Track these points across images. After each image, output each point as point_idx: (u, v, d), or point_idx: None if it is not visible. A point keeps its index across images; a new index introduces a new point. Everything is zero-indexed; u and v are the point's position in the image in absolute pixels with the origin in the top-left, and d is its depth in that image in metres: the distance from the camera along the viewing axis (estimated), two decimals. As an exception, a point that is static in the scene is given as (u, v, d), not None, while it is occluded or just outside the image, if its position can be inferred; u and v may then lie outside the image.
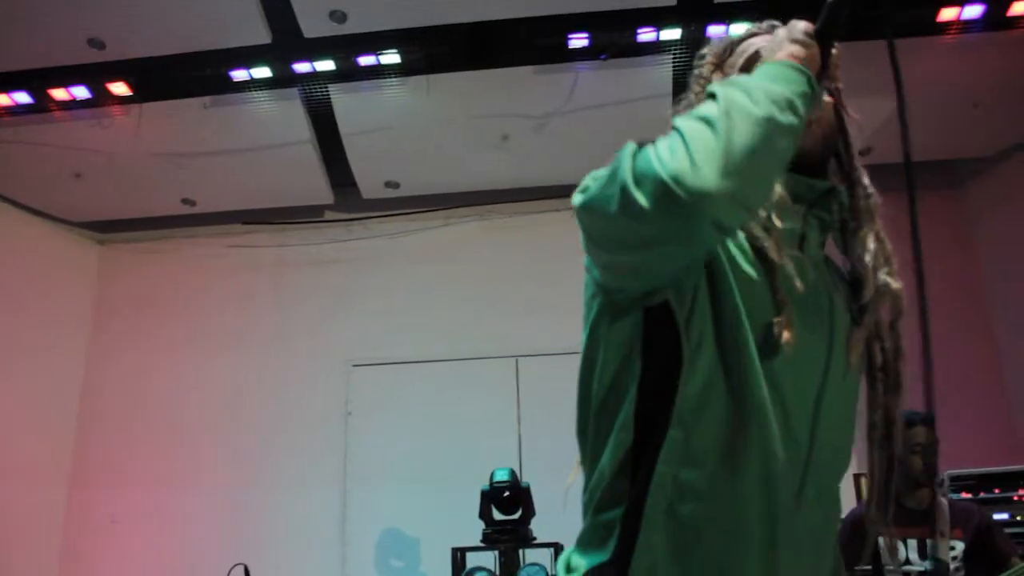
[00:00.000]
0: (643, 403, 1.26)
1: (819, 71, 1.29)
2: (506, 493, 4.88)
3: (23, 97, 5.44)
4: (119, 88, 5.40)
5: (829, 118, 1.43)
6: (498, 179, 6.31)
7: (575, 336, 5.24)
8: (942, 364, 5.35)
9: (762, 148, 1.10)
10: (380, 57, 5.22)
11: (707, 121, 1.10)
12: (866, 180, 1.50)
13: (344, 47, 5.16)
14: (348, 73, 5.39)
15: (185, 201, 6.48)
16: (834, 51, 1.41)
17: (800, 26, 1.33)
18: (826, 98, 1.37)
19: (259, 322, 6.61)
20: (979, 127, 5.70)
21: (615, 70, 5.30)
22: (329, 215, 6.79)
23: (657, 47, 5.20)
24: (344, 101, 5.58)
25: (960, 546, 3.38)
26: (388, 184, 6.37)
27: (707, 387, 1.23)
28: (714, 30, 5.00)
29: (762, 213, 1.29)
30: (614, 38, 5.10)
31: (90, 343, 6.76)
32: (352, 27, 4.94)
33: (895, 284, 1.45)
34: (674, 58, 5.27)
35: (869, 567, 3.48)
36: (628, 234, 1.17)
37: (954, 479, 4.65)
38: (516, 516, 4.91)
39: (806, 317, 1.31)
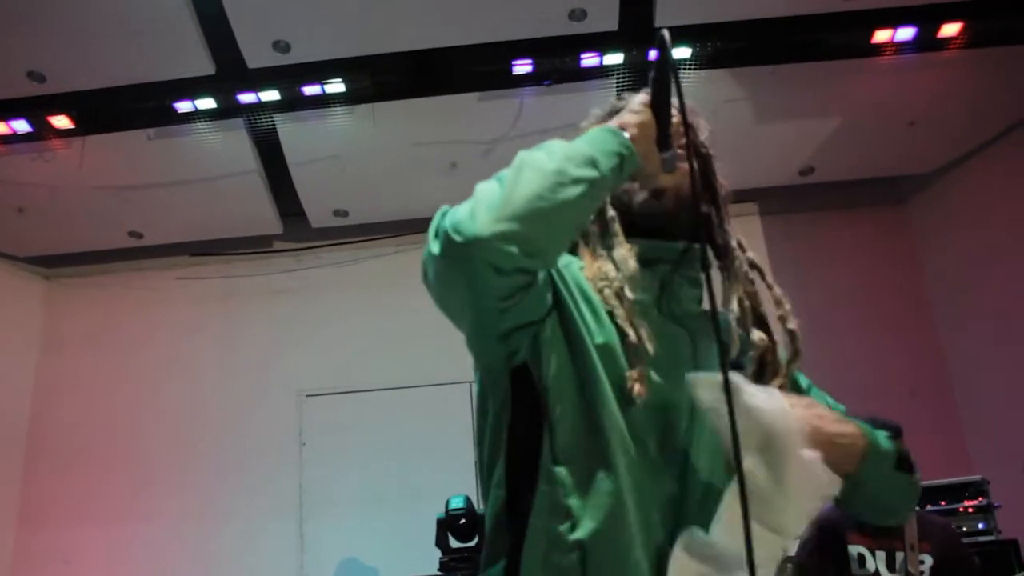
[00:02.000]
0: (514, 460, 1.33)
1: (661, 137, 1.34)
2: (462, 520, 4.87)
3: (-39, 131, 5.37)
4: (61, 121, 5.35)
5: (684, 188, 1.42)
6: (447, 205, 6.30)
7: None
8: (890, 377, 5.48)
9: (545, 195, 1.20)
10: (325, 86, 5.22)
11: (498, 178, 1.24)
12: (734, 242, 1.52)
13: (288, 77, 5.16)
14: (293, 103, 5.39)
15: (132, 234, 6.42)
16: (695, 119, 1.54)
17: (637, 98, 1.41)
18: (683, 164, 1.37)
19: (209, 354, 6.54)
20: (917, 144, 5.83)
21: (560, 95, 5.35)
22: (278, 245, 6.76)
23: (601, 71, 5.26)
24: (290, 131, 5.58)
25: (929, 560, 3.34)
26: (337, 212, 6.36)
27: (570, 442, 1.29)
28: (655, 54, 5.06)
29: (616, 284, 1.37)
30: (557, 64, 5.16)
31: (37, 378, 6.65)
32: (296, 57, 4.94)
33: (762, 336, 1.46)
34: (618, 82, 5.33)
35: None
36: (433, 282, 1.32)
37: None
38: (473, 543, 4.90)
39: (666, 370, 1.35)
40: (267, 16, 4.69)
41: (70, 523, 6.21)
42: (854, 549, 3.37)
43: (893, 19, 4.95)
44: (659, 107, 1.34)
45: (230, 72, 5.07)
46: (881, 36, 5.00)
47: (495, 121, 5.51)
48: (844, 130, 5.67)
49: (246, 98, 5.29)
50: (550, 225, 1.22)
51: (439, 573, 4.89)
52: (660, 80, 1.34)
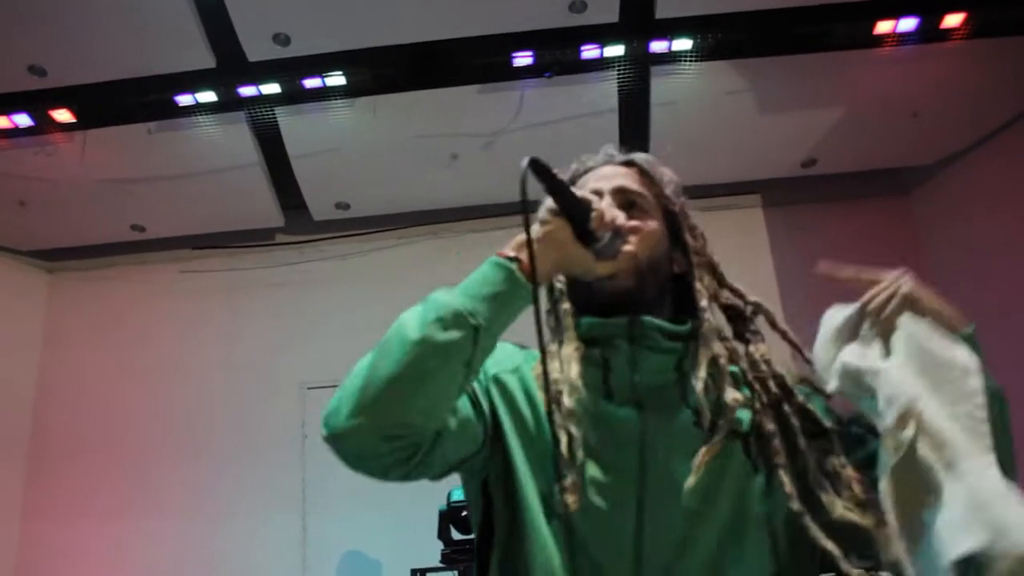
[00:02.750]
0: (481, 555, 1.39)
1: (581, 235, 1.31)
2: (464, 512, 4.86)
3: (-38, 126, 5.38)
4: (62, 115, 5.35)
5: (637, 264, 1.42)
6: (449, 197, 6.32)
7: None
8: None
9: (404, 375, 1.19)
10: (326, 79, 5.22)
11: (369, 356, 1.26)
12: (704, 303, 1.47)
13: (289, 70, 5.15)
14: (294, 96, 5.38)
15: (134, 227, 6.43)
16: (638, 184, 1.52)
17: (546, 204, 1.36)
18: (626, 248, 1.38)
19: (212, 347, 6.55)
20: (920, 136, 5.80)
21: (560, 87, 5.34)
22: (280, 238, 6.76)
23: (601, 63, 5.25)
24: (291, 123, 5.57)
25: None
26: (339, 205, 6.36)
27: (505, 544, 1.33)
28: (656, 46, 5.07)
29: (555, 389, 1.33)
30: (558, 56, 5.14)
31: (40, 373, 6.66)
32: (296, 50, 4.94)
33: (736, 397, 1.39)
34: (619, 74, 5.32)
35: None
36: None
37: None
38: (473, 536, 4.90)
39: (610, 467, 1.32)
40: (267, 9, 4.69)
41: (74, 518, 6.22)
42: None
43: (895, 10, 4.92)
44: (567, 209, 1.31)
45: (231, 65, 5.06)
46: (883, 27, 4.97)
47: (496, 113, 5.49)
48: (847, 121, 5.65)
49: (247, 91, 5.29)
50: (412, 403, 1.21)
51: (441, 565, 4.90)
52: (554, 189, 1.32)
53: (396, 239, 6.61)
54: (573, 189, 1.32)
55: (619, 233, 1.36)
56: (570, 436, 1.29)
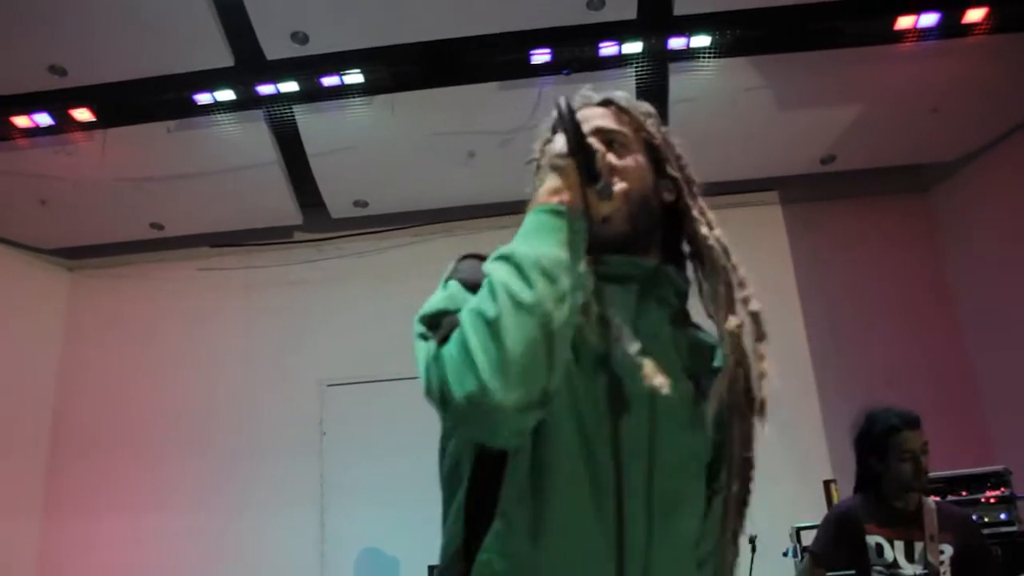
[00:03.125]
0: (473, 495, 1.36)
1: (586, 175, 1.31)
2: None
3: (-16, 126, 5.41)
4: (82, 114, 5.38)
5: (629, 202, 1.42)
6: (466, 195, 6.32)
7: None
8: (912, 367, 5.43)
9: (542, 337, 1.16)
10: (343, 77, 5.23)
11: (487, 321, 1.16)
12: (704, 230, 1.47)
13: (307, 68, 5.17)
14: (312, 94, 5.39)
15: (153, 225, 6.46)
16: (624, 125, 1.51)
17: (555, 149, 1.35)
18: (618, 186, 1.38)
19: (230, 344, 6.58)
20: (940, 132, 5.76)
21: (578, 84, 5.27)
22: (298, 235, 6.78)
23: (619, 60, 5.23)
24: (309, 121, 5.58)
25: (949, 550, 3.29)
26: (356, 203, 6.37)
27: (524, 486, 1.30)
28: (675, 42, 5.05)
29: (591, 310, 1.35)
30: (576, 53, 5.14)
31: (61, 369, 6.71)
32: (314, 48, 4.95)
33: (734, 322, 1.43)
34: (637, 71, 5.31)
35: (853, 571, 3.45)
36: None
37: (923, 482, 4.68)
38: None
39: (626, 404, 1.33)
40: (285, 7, 4.70)
41: (94, 511, 6.27)
42: (872, 539, 3.35)
43: (916, 5, 4.89)
44: (576, 150, 1.31)
45: (249, 64, 5.08)
46: (904, 22, 4.94)
47: (514, 111, 5.49)
48: (866, 118, 5.62)
49: (265, 89, 5.30)
50: (558, 356, 1.19)
51: (459, 563, 4.90)
52: (567, 129, 1.32)
53: (413, 237, 6.61)
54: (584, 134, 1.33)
55: (612, 172, 1.38)
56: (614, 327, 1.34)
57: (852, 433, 3.57)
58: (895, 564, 3.30)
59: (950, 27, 4.97)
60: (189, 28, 4.77)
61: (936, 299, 6.20)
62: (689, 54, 5.18)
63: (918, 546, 3.31)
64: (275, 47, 4.94)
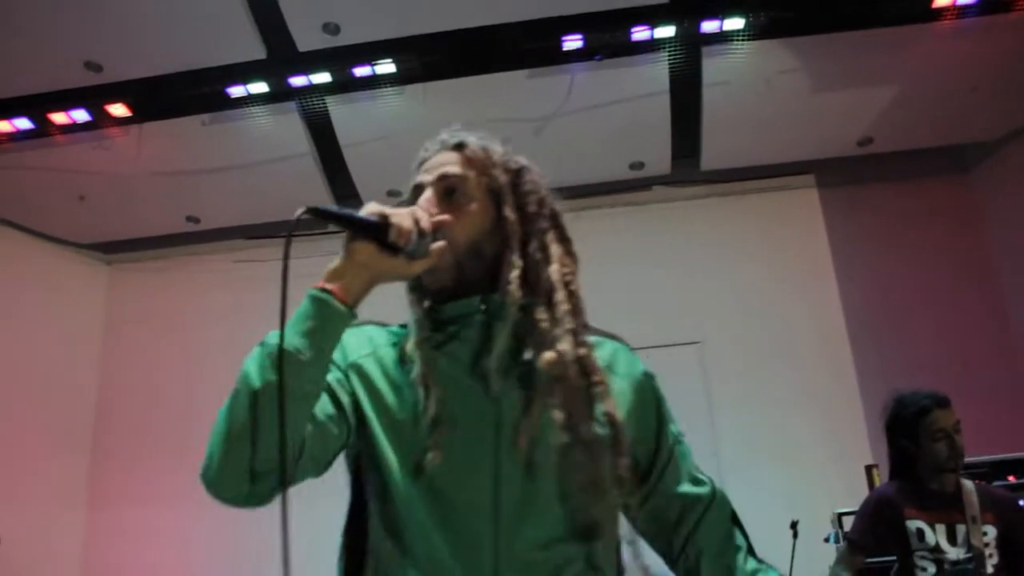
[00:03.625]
0: (351, 533, 1.57)
1: (384, 247, 1.37)
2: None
3: (24, 123, 5.47)
4: (118, 109, 5.42)
5: (455, 252, 1.47)
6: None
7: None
8: (955, 350, 5.34)
9: (257, 420, 1.28)
10: (375, 67, 5.22)
11: (225, 403, 1.33)
12: (512, 275, 1.47)
13: (339, 59, 5.17)
14: (344, 84, 5.40)
15: (189, 219, 6.51)
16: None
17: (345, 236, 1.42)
18: (436, 245, 1.44)
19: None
20: (980, 111, 5.68)
21: (611, 70, 5.29)
22: (333, 227, 6.78)
23: (652, 45, 5.19)
24: (342, 112, 5.59)
25: (993, 531, 3.23)
26: (390, 193, 6.36)
27: (380, 511, 1.46)
28: (707, 25, 5.00)
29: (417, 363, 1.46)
30: (608, 38, 5.09)
31: (102, 362, 6.79)
32: (346, 39, 4.96)
33: (548, 357, 1.42)
34: (669, 55, 5.26)
35: (894, 557, 3.41)
36: None
37: (966, 466, 4.60)
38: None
39: (467, 430, 1.41)
40: (316, -1, 4.71)
41: (138, 503, 6.34)
42: (912, 524, 3.29)
43: (956, -19, 4.81)
44: (363, 234, 1.38)
45: (281, 56, 5.10)
46: (941, 0, 4.86)
47: (546, 98, 5.47)
48: (904, 98, 5.54)
49: (297, 81, 5.31)
50: (268, 443, 1.28)
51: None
52: (341, 225, 1.40)
53: (448, 226, 6.61)
54: (360, 213, 1.39)
55: (424, 234, 1.41)
56: (433, 403, 1.41)
57: (883, 418, 3.53)
58: (938, 548, 3.24)
59: (990, 3, 4.87)
60: (222, 21, 4.80)
61: (978, 281, 6.11)
62: (722, 37, 5.13)
63: (960, 529, 3.25)
64: (307, 39, 4.96)
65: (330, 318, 1.35)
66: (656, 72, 5.35)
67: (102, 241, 6.89)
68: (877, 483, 4.90)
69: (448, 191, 1.51)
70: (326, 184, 6.19)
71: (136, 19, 4.75)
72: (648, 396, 1.59)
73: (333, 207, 1.37)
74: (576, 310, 1.48)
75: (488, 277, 1.50)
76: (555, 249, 1.52)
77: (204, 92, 5.38)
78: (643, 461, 1.57)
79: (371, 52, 5.14)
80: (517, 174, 1.57)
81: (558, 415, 1.38)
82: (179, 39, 4.90)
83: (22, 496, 5.94)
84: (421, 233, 1.39)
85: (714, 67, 5.32)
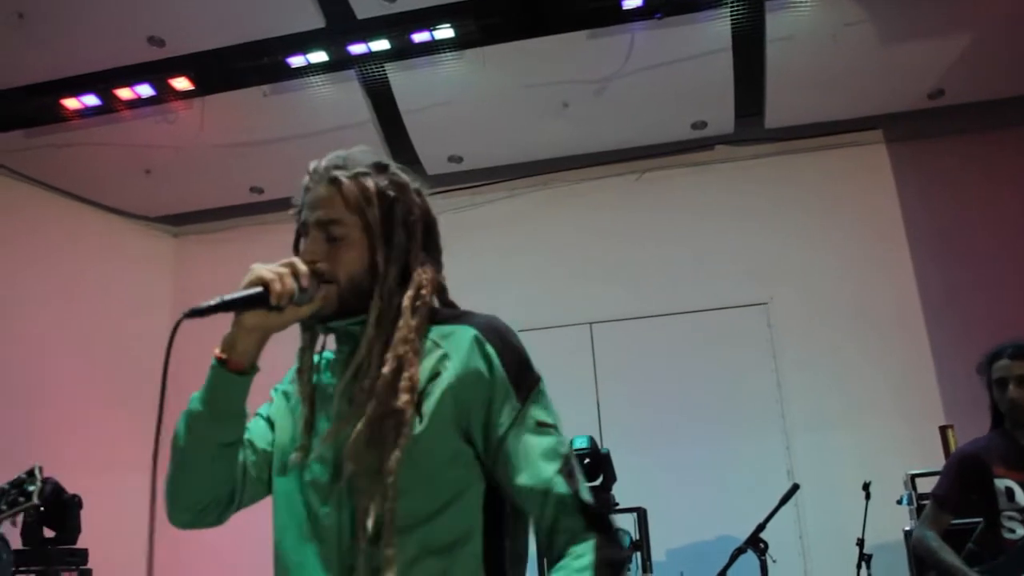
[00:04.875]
0: None
1: (268, 309, 1.50)
2: (586, 460, 4.86)
3: (91, 99, 5.56)
4: (181, 83, 5.48)
5: (339, 291, 1.58)
6: (561, 147, 6.27)
7: (648, 301, 5.24)
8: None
9: (185, 471, 1.62)
10: (434, 32, 5.20)
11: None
12: (373, 310, 1.58)
13: (397, 25, 5.15)
14: (403, 51, 5.38)
15: (253, 189, 6.58)
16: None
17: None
18: (319, 293, 1.55)
19: (332, 303, 6.66)
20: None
21: (671, 28, 5.20)
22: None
23: (714, 1, 5.09)
24: (401, 79, 5.58)
25: None
26: (451, 159, 6.37)
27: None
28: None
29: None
30: (668, -4, 5.02)
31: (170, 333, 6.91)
32: (404, 4, 4.95)
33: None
34: (732, 11, 5.15)
35: (980, 519, 3.32)
36: None
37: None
38: (597, 483, 4.90)
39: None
40: (373, -35, 4.70)
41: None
42: (1001, 483, 3.19)
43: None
44: (247, 305, 1.50)
45: (340, 24, 5.09)
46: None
47: (606, 58, 5.40)
48: (976, 48, 5.36)
49: (357, 49, 5.31)
50: (199, 487, 1.64)
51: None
52: (225, 310, 1.51)
53: (508, 191, 6.59)
54: (237, 294, 1.50)
55: (305, 288, 1.52)
56: (304, 415, 1.61)
57: None
58: (1027, 507, 3.15)
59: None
60: (280, -9, 4.81)
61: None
62: (786, -9, 5.01)
63: None
64: (365, 5, 4.95)
65: (222, 384, 1.57)
66: (718, 29, 5.24)
67: (169, 214, 7.00)
68: (953, 444, 4.80)
69: (329, 237, 1.60)
70: (387, 151, 6.19)
71: (196, -8, 4.79)
72: (476, 385, 1.52)
73: (213, 300, 1.47)
74: (418, 327, 1.56)
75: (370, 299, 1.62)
76: (416, 275, 1.62)
77: (264, 63, 5.40)
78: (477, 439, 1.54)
79: (429, 17, 5.11)
80: (391, 206, 1.64)
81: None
82: (238, 11, 4.92)
83: (96, 464, 6.09)
84: (302, 288, 1.51)
85: (777, 22, 5.19)
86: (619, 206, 6.38)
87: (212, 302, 1.47)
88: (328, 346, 1.72)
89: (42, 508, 2.52)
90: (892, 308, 5.89)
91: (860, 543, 4.34)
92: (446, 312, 1.68)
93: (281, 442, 1.65)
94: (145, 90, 5.52)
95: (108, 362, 6.39)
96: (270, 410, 1.76)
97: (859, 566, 4.32)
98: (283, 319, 1.53)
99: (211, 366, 1.58)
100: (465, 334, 1.57)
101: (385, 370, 1.49)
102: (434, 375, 1.51)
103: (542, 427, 1.51)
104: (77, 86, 5.48)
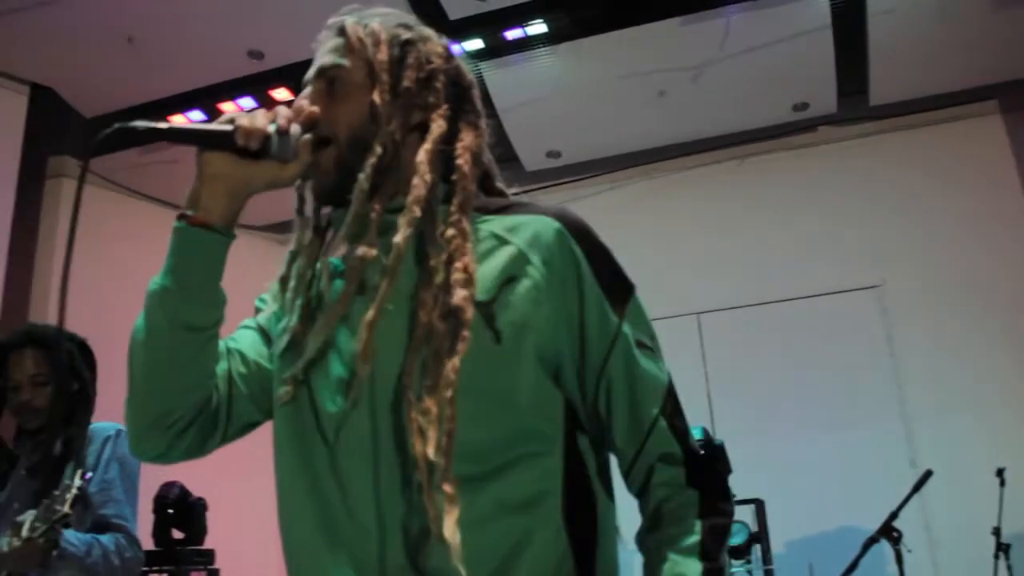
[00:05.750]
0: None
1: (240, 152, 1.21)
2: (702, 451, 4.80)
3: (197, 115, 5.72)
4: (281, 94, 5.59)
5: (337, 146, 1.29)
6: (659, 136, 6.20)
7: (755, 289, 5.16)
8: None
9: (147, 369, 1.24)
10: (526, 29, 5.20)
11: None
12: (369, 163, 1.27)
13: (490, 24, 5.18)
14: (497, 49, 5.40)
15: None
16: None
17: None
18: (303, 139, 1.25)
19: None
20: None
21: (767, 9, 5.08)
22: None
23: (811, -22, 4.97)
24: (497, 77, 5.60)
25: None
26: (549, 154, 6.36)
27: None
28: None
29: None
30: (763, -26, 4.92)
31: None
32: (495, 3, 4.98)
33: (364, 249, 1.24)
34: (830, -14, 5.02)
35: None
36: None
37: None
38: (714, 473, 4.83)
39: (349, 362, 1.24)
40: (463, -35, 4.72)
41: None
42: None
43: None
44: (206, 144, 1.23)
45: (433, 25, 5.08)
46: None
47: (701, 44, 5.32)
48: (1097, 8, 5.10)
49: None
50: (161, 390, 1.26)
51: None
52: (173, 138, 1.25)
53: (610, 183, 6.55)
54: (196, 125, 1.26)
55: (284, 132, 1.23)
56: (293, 331, 1.30)
57: None
58: None
59: None
60: (373, -2, 4.86)
61: None
62: (887, -40, 4.85)
63: None
64: (457, 6, 4.99)
65: (187, 243, 1.23)
66: (816, 7, 5.11)
67: (275, 222, 7.14)
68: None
69: (329, 84, 1.33)
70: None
71: (291, 4, 4.86)
72: (567, 296, 1.23)
73: (159, 124, 1.19)
74: (457, 188, 1.27)
75: (391, 166, 1.30)
76: (436, 126, 1.30)
77: (361, 69, 5.48)
78: (566, 369, 1.25)
79: (521, 14, 5.12)
80: (403, 48, 1.35)
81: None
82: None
83: (219, 468, 6.26)
84: (281, 132, 1.22)
85: (879, -5, 5.04)
86: (721, 193, 6.27)
87: (160, 124, 1.19)
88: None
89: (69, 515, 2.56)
90: (1017, 285, 5.63)
91: (996, 532, 4.17)
92: (498, 200, 1.37)
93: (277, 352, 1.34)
94: (247, 103, 5.66)
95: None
96: (260, 319, 1.46)
97: (996, 556, 4.16)
98: (258, 172, 1.23)
99: (173, 228, 1.24)
100: (545, 227, 1.26)
101: (397, 238, 1.20)
102: (507, 279, 1.20)
103: (642, 348, 1.28)
104: (184, 103, 5.67)
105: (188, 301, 1.24)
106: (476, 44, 5.31)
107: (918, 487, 4.18)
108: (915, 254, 5.82)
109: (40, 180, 5.96)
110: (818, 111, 6.00)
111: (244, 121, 1.20)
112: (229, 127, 1.20)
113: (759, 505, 4.88)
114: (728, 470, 4.79)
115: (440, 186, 1.29)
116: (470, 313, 1.15)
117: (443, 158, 1.30)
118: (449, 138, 1.32)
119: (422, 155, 1.26)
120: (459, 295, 1.15)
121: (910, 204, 5.92)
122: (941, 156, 5.94)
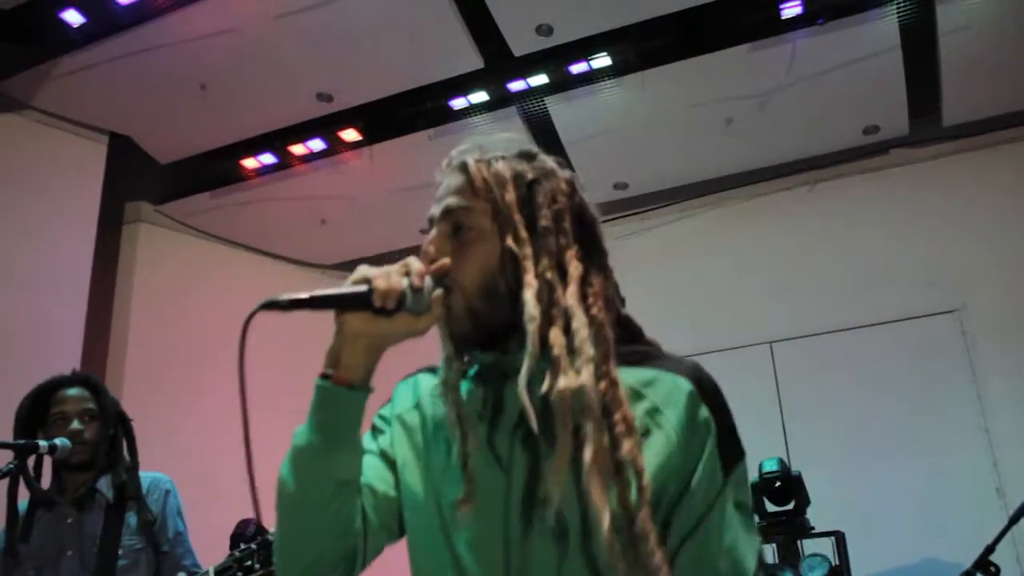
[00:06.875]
0: None
1: (375, 312, 1.25)
2: (777, 483, 4.71)
3: (267, 158, 5.87)
4: (350, 135, 5.70)
5: (466, 297, 1.29)
6: (728, 164, 6.16)
7: (828, 316, 5.08)
8: None
9: (295, 524, 1.31)
10: (591, 62, 5.23)
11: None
12: (531, 313, 1.24)
13: (554, 59, 5.21)
14: (562, 83, 5.43)
15: (423, 231, 6.70)
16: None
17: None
18: (435, 294, 1.28)
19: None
20: None
21: (835, 32, 5.03)
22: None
23: (877, 0, 4.90)
24: (562, 111, 5.62)
25: None
26: (616, 186, 6.35)
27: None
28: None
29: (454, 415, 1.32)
30: (829, 0, 4.86)
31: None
32: (559, 38, 4.98)
33: (562, 384, 1.19)
34: (898, 8, 4.93)
35: None
36: None
37: None
38: (790, 507, 4.74)
39: (483, 489, 1.26)
40: (527, 2, 4.74)
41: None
42: None
43: None
44: (344, 307, 1.28)
45: (498, 63, 5.18)
46: None
47: (768, 71, 5.27)
48: None
49: (516, 86, 5.39)
50: (310, 544, 1.31)
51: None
52: (314, 307, 1.27)
53: (679, 213, 6.51)
54: (335, 290, 1.27)
55: (418, 288, 1.26)
56: (464, 456, 1.28)
57: None
58: None
59: None
60: (438, 37, 4.93)
61: None
62: (957, -21, 4.77)
63: None
64: (521, 43, 5.01)
65: (331, 401, 1.29)
66: (885, 28, 5.03)
67: (344, 261, 7.23)
68: None
69: (455, 228, 1.33)
70: (552, 184, 6.23)
71: (358, 47, 4.96)
72: (690, 455, 1.22)
73: (303, 294, 1.25)
74: (600, 338, 1.24)
75: (516, 318, 1.28)
76: (574, 268, 1.29)
77: (428, 108, 5.57)
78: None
79: (585, 48, 5.14)
80: (529, 188, 1.35)
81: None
82: (401, 60, 5.08)
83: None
84: (415, 288, 1.25)
85: (949, 13, 4.93)
86: (792, 219, 6.19)
87: (301, 295, 1.24)
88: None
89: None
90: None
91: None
92: (633, 349, 1.34)
93: (409, 483, 1.37)
94: (317, 144, 5.78)
95: (291, 403, 6.63)
96: (382, 443, 1.45)
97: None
98: (393, 328, 1.26)
99: (315, 385, 1.30)
100: (678, 386, 1.25)
101: (584, 379, 1.17)
102: (642, 432, 1.20)
103: (742, 508, 1.25)
104: (254, 146, 5.81)
105: (337, 455, 1.30)
106: (541, 79, 5.36)
107: (1016, 519, 4.02)
108: (994, 276, 5.67)
109: (118, 226, 6.12)
110: (889, 133, 5.90)
111: (380, 284, 1.23)
112: (364, 288, 1.24)
113: (839, 537, 4.76)
114: (807, 501, 4.72)
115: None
116: (641, 464, 1.15)
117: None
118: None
119: (571, 300, 1.25)
120: (626, 446, 1.15)
121: (987, 225, 5.77)
122: (1018, 175, 5.80)
